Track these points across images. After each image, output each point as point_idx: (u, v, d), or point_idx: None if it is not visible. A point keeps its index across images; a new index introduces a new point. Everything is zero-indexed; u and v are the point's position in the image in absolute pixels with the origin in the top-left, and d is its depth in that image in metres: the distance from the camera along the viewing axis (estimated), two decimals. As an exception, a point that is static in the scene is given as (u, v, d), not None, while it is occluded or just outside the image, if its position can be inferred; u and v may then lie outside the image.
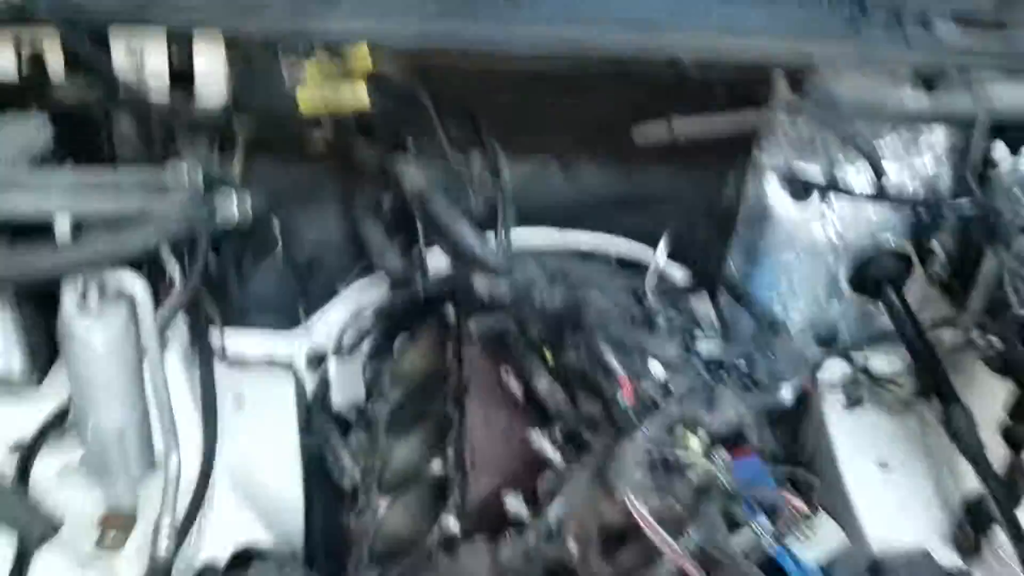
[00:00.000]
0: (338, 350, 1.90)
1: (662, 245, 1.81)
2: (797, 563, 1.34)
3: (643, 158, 1.81)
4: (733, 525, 1.24)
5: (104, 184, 1.39)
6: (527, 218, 1.89)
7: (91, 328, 1.30)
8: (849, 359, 1.95)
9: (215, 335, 1.83)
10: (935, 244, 1.76)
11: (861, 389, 1.90)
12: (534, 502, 1.32)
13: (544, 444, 1.29)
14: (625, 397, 1.25)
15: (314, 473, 1.86)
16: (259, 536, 1.61)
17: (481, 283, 1.62)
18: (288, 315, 1.94)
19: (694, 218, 1.98)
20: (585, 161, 1.99)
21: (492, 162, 1.78)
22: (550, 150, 1.97)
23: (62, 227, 1.31)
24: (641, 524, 1.13)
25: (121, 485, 1.40)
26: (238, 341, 1.89)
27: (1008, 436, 1.54)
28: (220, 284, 1.82)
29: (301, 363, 1.94)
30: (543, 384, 1.45)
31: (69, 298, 1.29)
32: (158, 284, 1.51)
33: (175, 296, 1.50)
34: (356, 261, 1.92)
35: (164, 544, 1.31)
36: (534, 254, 1.75)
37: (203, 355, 1.75)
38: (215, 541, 1.57)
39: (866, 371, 1.93)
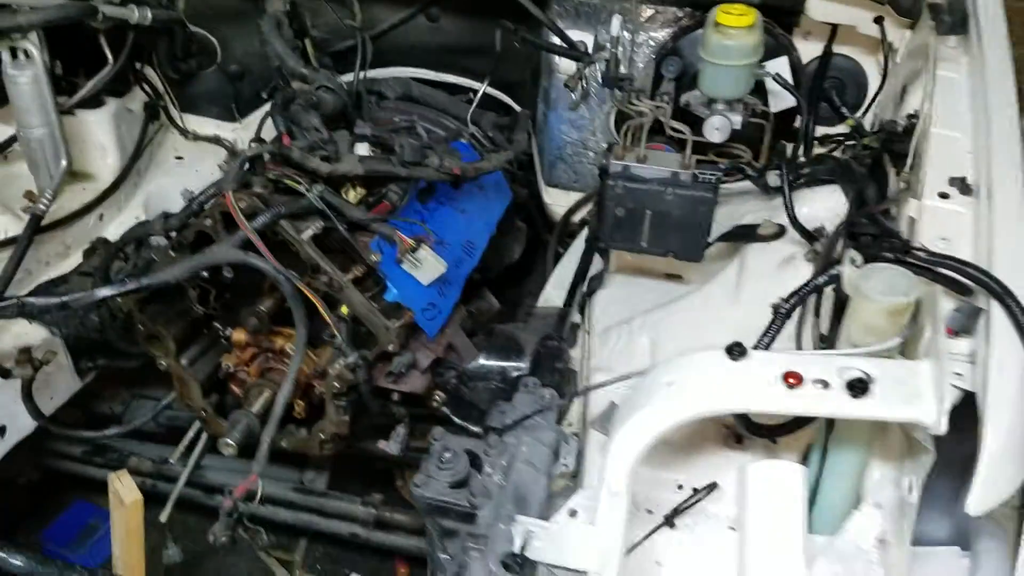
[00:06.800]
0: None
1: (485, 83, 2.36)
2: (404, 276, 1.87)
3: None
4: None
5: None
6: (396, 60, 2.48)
7: (15, 73, 2.12)
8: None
9: (173, 113, 2.64)
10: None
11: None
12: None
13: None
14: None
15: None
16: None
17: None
18: (227, 111, 2.66)
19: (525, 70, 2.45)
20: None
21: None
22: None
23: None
24: (229, 209, 1.76)
25: (43, 176, 2.19)
26: (195, 122, 2.67)
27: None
28: (169, 78, 2.58)
29: (242, 145, 2.69)
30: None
31: (5, 56, 2.11)
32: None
33: (105, 70, 2.30)
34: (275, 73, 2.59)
35: (41, 206, 2.12)
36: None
37: (147, 114, 2.54)
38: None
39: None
